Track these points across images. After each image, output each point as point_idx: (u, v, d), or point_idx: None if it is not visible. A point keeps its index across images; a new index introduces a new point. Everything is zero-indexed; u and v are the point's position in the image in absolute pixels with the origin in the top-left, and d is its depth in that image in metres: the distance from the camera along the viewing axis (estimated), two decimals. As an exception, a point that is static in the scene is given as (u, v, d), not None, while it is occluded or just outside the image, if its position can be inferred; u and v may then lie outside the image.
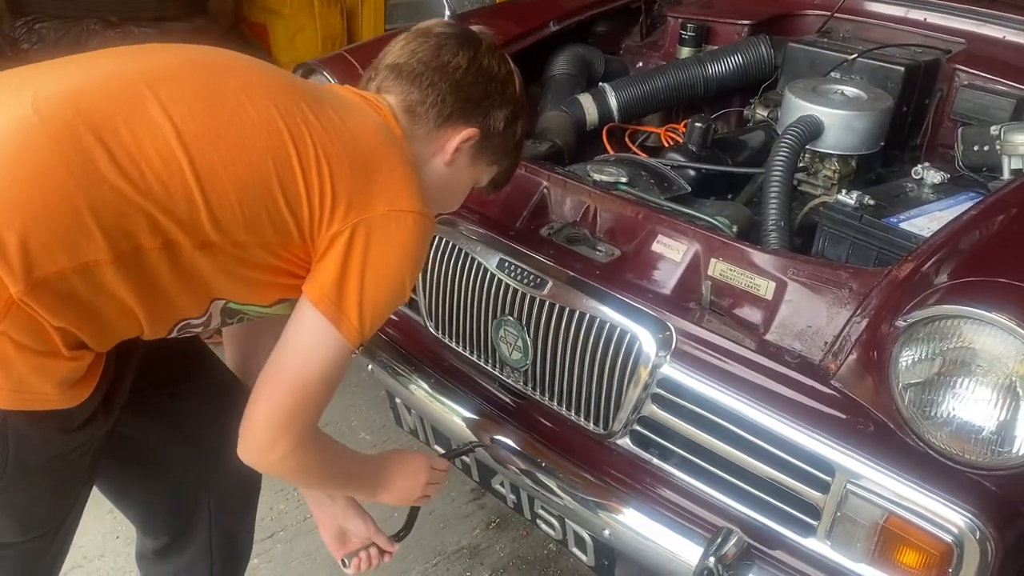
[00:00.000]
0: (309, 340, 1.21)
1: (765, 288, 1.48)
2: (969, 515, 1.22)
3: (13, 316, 1.02)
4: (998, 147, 1.77)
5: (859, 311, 1.38)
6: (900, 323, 1.25)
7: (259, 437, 1.23)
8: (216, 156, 1.11)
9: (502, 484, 1.82)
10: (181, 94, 1.13)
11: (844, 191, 1.64)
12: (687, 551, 1.46)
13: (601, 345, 1.54)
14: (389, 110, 1.34)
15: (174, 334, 1.24)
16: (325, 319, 1.19)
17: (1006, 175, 1.75)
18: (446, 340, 1.84)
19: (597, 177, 1.75)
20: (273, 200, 1.15)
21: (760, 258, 1.50)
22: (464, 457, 1.84)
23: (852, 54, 2.09)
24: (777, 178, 1.72)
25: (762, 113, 2.23)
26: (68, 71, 1.16)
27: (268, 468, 1.27)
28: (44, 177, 1.02)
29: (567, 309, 1.58)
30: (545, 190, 1.78)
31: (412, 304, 1.92)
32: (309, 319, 1.21)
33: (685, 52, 2.41)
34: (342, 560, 1.62)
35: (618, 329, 1.52)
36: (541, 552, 2.21)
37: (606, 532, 1.57)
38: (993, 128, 1.79)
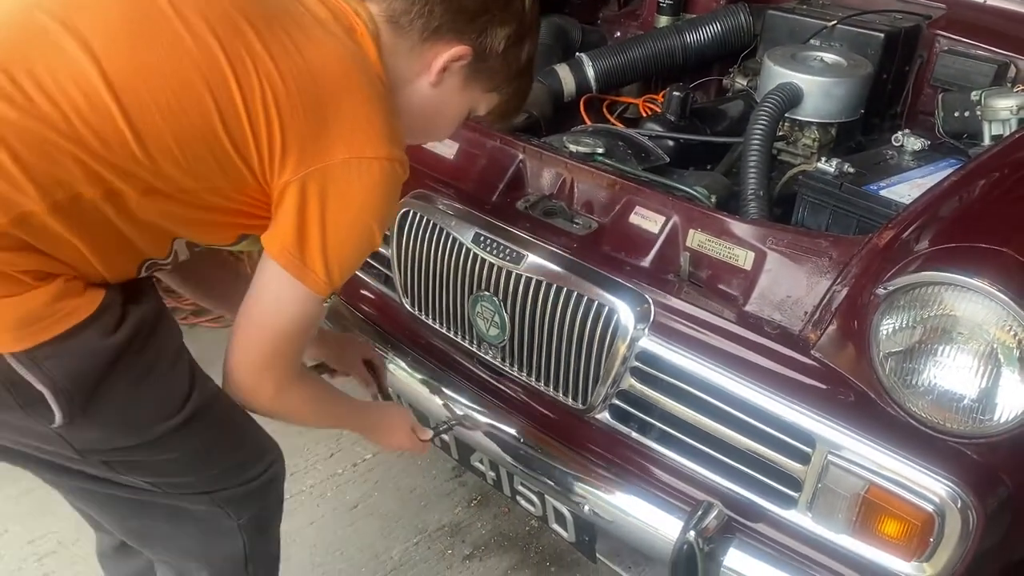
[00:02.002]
0: (276, 294, 1.17)
1: (744, 258, 1.46)
2: (950, 484, 1.21)
3: None
4: (979, 113, 1.75)
5: (839, 280, 1.36)
6: (880, 291, 1.23)
7: (240, 383, 1.22)
8: (148, 94, 1.01)
9: (481, 461, 1.80)
10: (102, 21, 1.03)
11: (824, 159, 1.62)
12: (667, 525, 1.45)
13: (579, 319, 1.51)
14: (366, 23, 1.19)
15: (143, 273, 1.18)
16: (287, 274, 1.14)
17: (987, 141, 1.73)
18: (422, 317, 1.80)
19: (574, 148, 1.71)
20: (218, 142, 1.06)
21: (739, 228, 1.47)
22: (444, 435, 1.82)
23: (831, 21, 2.06)
24: (756, 147, 1.69)
25: (741, 82, 2.20)
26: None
27: (259, 409, 1.27)
28: None
29: (544, 283, 1.55)
30: (521, 163, 1.74)
31: (387, 281, 1.89)
32: (273, 274, 1.15)
33: (663, 21, 2.37)
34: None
35: (596, 302, 1.49)
36: (523, 529, 2.20)
37: (586, 508, 1.55)
38: (974, 94, 1.77)
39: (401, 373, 1.85)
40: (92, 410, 1.06)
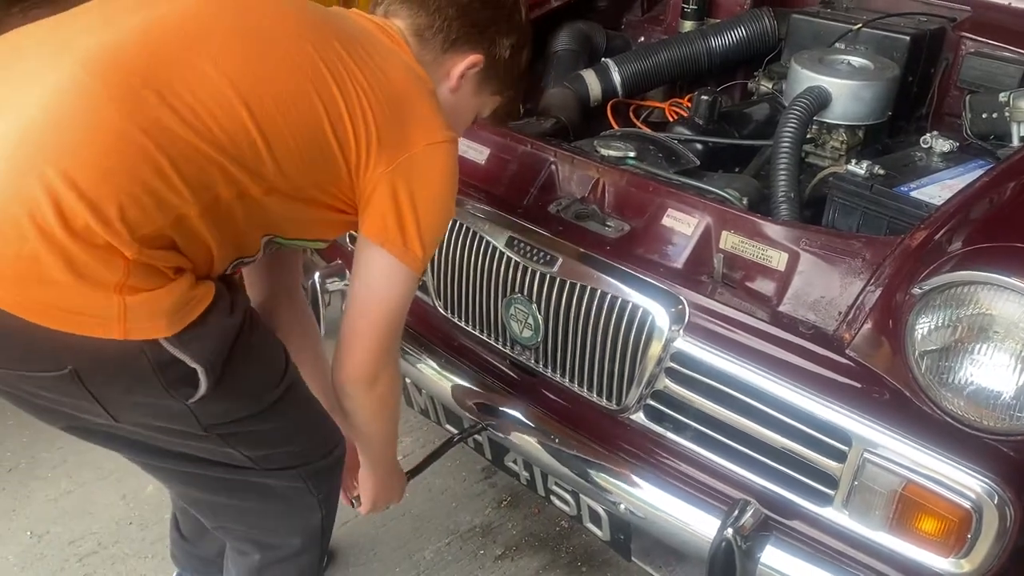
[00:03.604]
0: (383, 281, 1.33)
1: (777, 259, 1.47)
2: (987, 480, 1.23)
3: (133, 269, 1.07)
4: (1007, 114, 1.76)
5: (873, 280, 1.38)
6: (916, 291, 1.25)
7: (363, 378, 1.37)
8: (272, 103, 1.16)
9: (515, 462, 1.82)
10: (227, 43, 1.17)
11: (854, 161, 1.63)
12: (704, 523, 1.47)
13: (613, 321, 1.54)
14: (400, 36, 1.36)
15: (230, 271, 1.29)
16: (393, 258, 1.29)
17: (1015, 142, 1.75)
18: (456, 320, 1.83)
19: (605, 152, 1.73)
20: (326, 140, 1.21)
21: (772, 230, 1.49)
22: (476, 436, 1.84)
23: (856, 24, 2.08)
24: (786, 149, 1.71)
25: (766, 85, 2.21)
26: (99, 24, 1.15)
27: (372, 403, 1.42)
28: (124, 143, 1.06)
29: (578, 285, 1.57)
30: (552, 166, 1.76)
31: (421, 285, 1.91)
32: (378, 262, 1.31)
33: (687, 26, 2.39)
34: (351, 501, 1.74)
35: (630, 304, 1.51)
36: (553, 529, 2.21)
37: (622, 506, 1.57)
38: (1002, 95, 1.78)
39: (433, 374, 1.87)
40: (222, 382, 1.17)
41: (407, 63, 1.33)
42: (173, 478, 1.44)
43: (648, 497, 1.53)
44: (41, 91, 1.06)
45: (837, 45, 2.05)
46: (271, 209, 1.22)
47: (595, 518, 1.69)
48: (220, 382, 1.17)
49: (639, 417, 1.58)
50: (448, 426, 1.95)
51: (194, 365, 1.14)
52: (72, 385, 1.12)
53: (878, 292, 1.36)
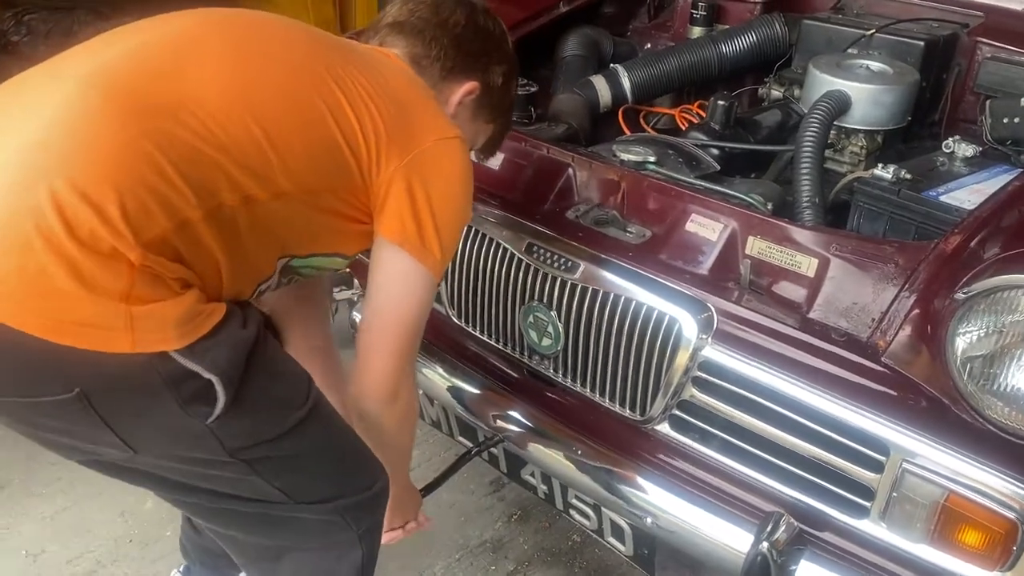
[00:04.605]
0: (402, 285, 1.30)
1: (807, 265, 1.44)
2: (1033, 491, 1.20)
3: (138, 278, 1.03)
4: (1029, 119, 1.74)
5: (907, 286, 1.35)
6: (959, 296, 1.22)
7: (383, 395, 1.34)
8: (275, 106, 1.16)
9: (532, 475, 1.78)
10: (225, 53, 1.18)
11: (880, 165, 1.60)
12: (736, 537, 1.43)
13: (638, 329, 1.50)
14: (400, 60, 1.39)
15: (253, 298, 1.25)
16: (412, 258, 1.27)
17: (1037, 147, 1.73)
18: (470, 329, 1.79)
19: (625, 157, 1.70)
20: (334, 141, 1.20)
21: (801, 235, 1.46)
22: (492, 449, 1.80)
23: (869, 30, 2.06)
24: (809, 154, 1.68)
25: (777, 91, 2.19)
26: (99, 49, 1.16)
27: (392, 420, 1.38)
28: (125, 146, 1.04)
29: (601, 292, 1.53)
30: (570, 171, 1.73)
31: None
32: (395, 264, 1.28)
33: (696, 32, 2.37)
34: None
35: (656, 311, 1.48)
36: (566, 544, 2.17)
37: (648, 520, 1.53)
38: (1023, 100, 1.77)
39: (447, 384, 1.83)
40: (240, 399, 1.11)
41: (409, 74, 1.37)
42: (205, 515, 1.36)
43: (678, 510, 1.49)
44: (42, 112, 1.06)
45: (851, 51, 2.04)
46: (280, 217, 1.18)
47: (617, 532, 1.65)
48: (238, 398, 1.11)
49: (664, 428, 1.54)
50: (461, 438, 1.90)
51: (209, 376, 1.08)
52: (82, 412, 1.05)
53: (914, 298, 1.33)
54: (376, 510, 1.41)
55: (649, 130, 2.19)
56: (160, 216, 1.04)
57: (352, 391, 1.35)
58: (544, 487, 1.76)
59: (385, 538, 1.57)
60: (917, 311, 1.32)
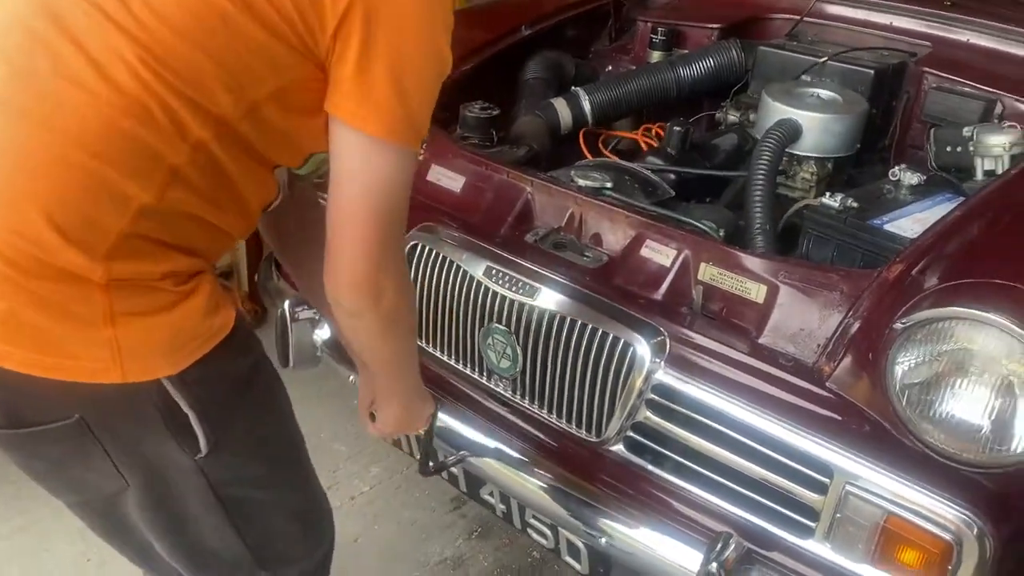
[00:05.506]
0: (363, 163, 1.02)
1: (756, 292, 1.49)
2: (967, 513, 1.24)
3: (114, 295, 0.94)
4: (971, 148, 1.81)
5: (852, 313, 1.40)
6: (898, 325, 1.27)
7: (359, 291, 1.07)
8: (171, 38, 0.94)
9: (491, 494, 1.80)
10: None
11: (828, 193, 1.66)
12: (686, 557, 1.46)
13: (594, 352, 1.53)
14: None
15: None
16: (365, 134, 1.00)
17: (979, 176, 1.79)
18: (430, 350, 1.81)
19: (582, 182, 1.74)
20: (251, 36, 0.95)
21: (751, 262, 1.51)
22: (452, 468, 1.82)
23: (822, 57, 2.12)
24: (760, 181, 1.73)
25: (734, 116, 2.25)
26: None
27: (379, 321, 1.12)
28: (33, 152, 0.93)
29: (559, 316, 1.56)
30: (529, 196, 1.76)
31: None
32: (349, 140, 1.01)
33: (656, 56, 2.42)
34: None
35: (611, 335, 1.51)
36: (525, 561, 2.19)
37: (603, 540, 1.56)
38: (965, 130, 1.83)
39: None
40: (226, 434, 1.05)
41: None
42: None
43: (630, 531, 1.52)
44: None
45: (803, 78, 2.10)
46: (256, 131, 1.00)
47: (574, 551, 1.67)
48: (224, 434, 1.06)
49: (619, 449, 1.57)
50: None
51: (187, 410, 1.02)
52: (83, 437, 1.02)
53: (857, 325, 1.38)
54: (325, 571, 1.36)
55: (607, 153, 2.23)
56: (109, 217, 0.93)
57: (328, 294, 1.10)
58: (503, 506, 1.79)
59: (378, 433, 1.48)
60: (860, 338, 1.37)
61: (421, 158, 1.13)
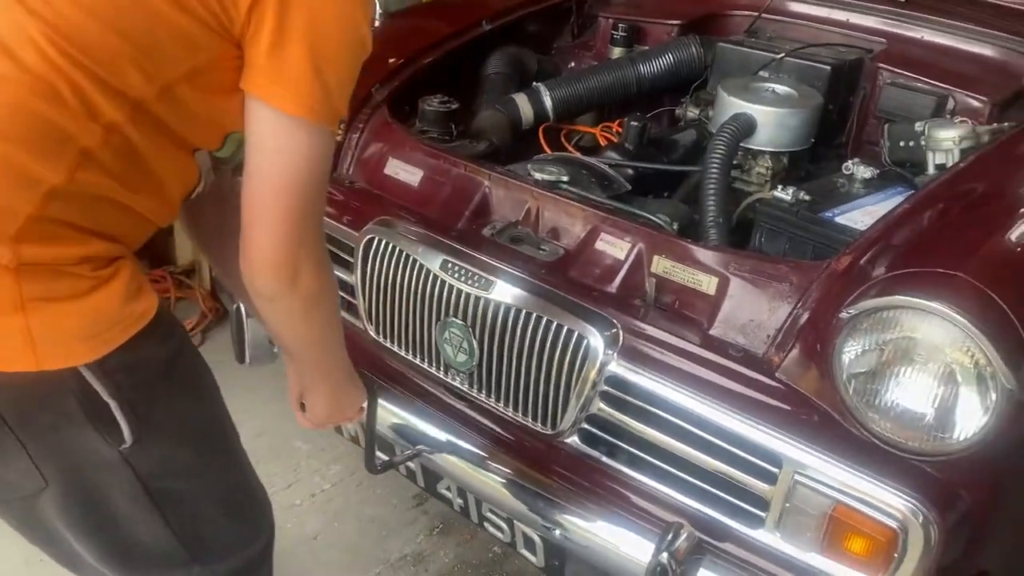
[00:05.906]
0: (278, 142, 1.00)
1: (707, 284, 1.50)
2: (912, 500, 1.26)
3: (24, 279, 0.91)
4: (923, 143, 1.83)
5: (800, 304, 1.41)
6: (843, 315, 1.28)
7: (275, 270, 1.05)
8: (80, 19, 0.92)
9: (448, 489, 1.80)
10: None
11: (780, 187, 1.67)
12: (638, 548, 1.46)
13: (549, 344, 1.53)
14: None
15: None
16: (280, 112, 0.98)
17: (931, 170, 1.81)
18: (388, 344, 1.80)
19: (539, 176, 1.74)
20: (163, 16, 0.94)
21: (702, 254, 1.52)
22: (408, 463, 1.81)
23: (780, 53, 2.14)
24: (714, 175, 1.74)
25: (693, 112, 2.26)
26: None
27: (297, 304, 1.10)
28: None
29: (514, 309, 1.56)
30: (487, 189, 1.76)
31: (350, 308, 1.88)
32: (264, 118, 1.00)
33: (617, 52, 2.42)
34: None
35: (565, 328, 1.51)
36: (487, 556, 2.19)
37: (556, 532, 1.56)
38: (917, 125, 1.85)
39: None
40: (151, 424, 1.03)
41: None
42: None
43: (583, 523, 1.52)
44: None
45: (761, 73, 2.11)
46: (171, 111, 0.99)
47: (529, 544, 1.67)
48: (149, 423, 1.03)
49: (574, 441, 1.57)
50: (380, 453, 1.90)
51: (107, 399, 0.99)
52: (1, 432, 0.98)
53: (806, 315, 1.39)
54: (265, 567, 1.32)
55: (570, 148, 2.24)
56: (17, 199, 0.90)
57: (243, 275, 1.08)
58: (460, 500, 1.78)
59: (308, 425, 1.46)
60: (808, 328, 1.38)
61: (339, 139, 1.09)
